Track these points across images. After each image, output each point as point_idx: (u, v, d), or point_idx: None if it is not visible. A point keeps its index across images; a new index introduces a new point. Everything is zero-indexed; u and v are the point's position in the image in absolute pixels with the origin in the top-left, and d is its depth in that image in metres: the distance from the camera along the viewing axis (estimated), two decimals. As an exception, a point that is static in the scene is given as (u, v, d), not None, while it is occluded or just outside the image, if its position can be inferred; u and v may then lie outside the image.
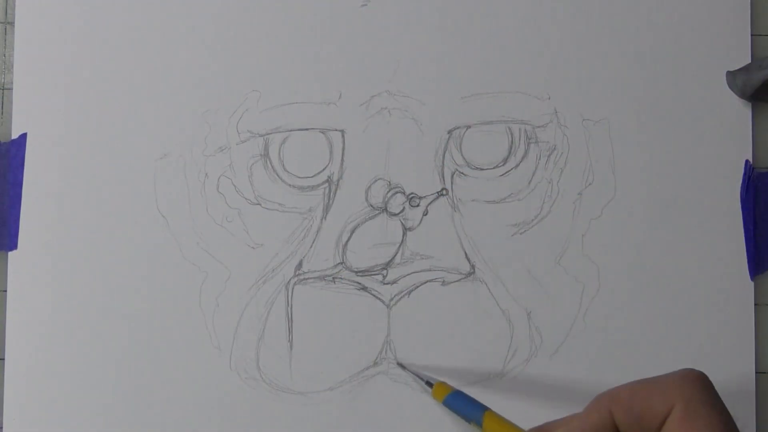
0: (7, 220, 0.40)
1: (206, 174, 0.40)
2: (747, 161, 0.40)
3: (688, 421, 0.28)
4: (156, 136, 0.40)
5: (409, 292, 0.39)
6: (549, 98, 0.40)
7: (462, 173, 0.40)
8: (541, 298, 0.40)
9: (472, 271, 0.40)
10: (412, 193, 0.40)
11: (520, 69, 0.40)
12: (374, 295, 0.39)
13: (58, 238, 0.40)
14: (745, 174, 0.40)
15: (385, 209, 0.40)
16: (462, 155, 0.40)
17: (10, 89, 0.40)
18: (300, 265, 0.40)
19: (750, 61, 0.40)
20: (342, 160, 0.40)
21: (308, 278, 0.40)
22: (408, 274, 0.39)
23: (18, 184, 0.40)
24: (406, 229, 0.40)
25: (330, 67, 0.40)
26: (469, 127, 0.40)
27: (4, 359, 0.39)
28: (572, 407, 0.39)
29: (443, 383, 0.37)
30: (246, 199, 0.40)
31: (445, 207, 0.40)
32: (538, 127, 0.40)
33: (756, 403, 0.39)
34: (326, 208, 0.40)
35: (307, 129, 0.40)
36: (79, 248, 0.40)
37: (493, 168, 0.40)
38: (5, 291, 0.40)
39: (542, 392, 0.39)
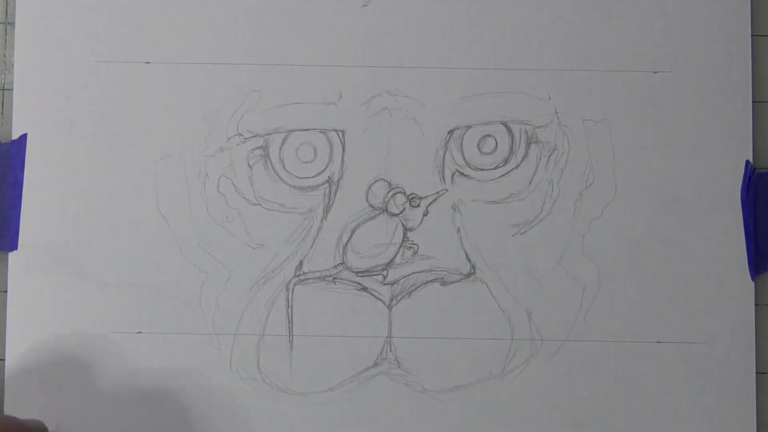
0: (8, 221, 0.40)
1: (207, 174, 0.40)
2: (747, 161, 0.40)
3: None
4: (156, 137, 0.40)
5: (410, 293, 0.39)
6: (549, 98, 0.40)
7: (462, 173, 0.40)
8: (541, 299, 0.40)
9: (472, 271, 0.40)
10: (412, 194, 0.40)
11: (521, 69, 0.40)
12: (375, 296, 0.39)
13: (58, 238, 0.40)
14: (745, 174, 0.40)
15: (385, 209, 0.40)
16: (462, 155, 0.40)
17: (11, 89, 0.40)
18: (300, 265, 0.40)
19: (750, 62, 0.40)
20: (342, 160, 0.40)
21: (308, 278, 0.39)
22: (408, 275, 0.39)
23: (18, 185, 0.40)
24: (406, 230, 0.40)
25: (330, 68, 0.40)
26: (469, 127, 0.40)
27: (4, 359, 0.39)
28: (573, 408, 0.39)
29: None
30: (246, 199, 0.40)
31: (446, 207, 0.40)
32: (539, 127, 0.40)
33: (756, 403, 0.39)
34: (326, 209, 0.40)
35: (307, 129, 0.40)
36: (80, 248, 0.40)
37: (494, 168, 0.40)
38: (5, 291, 0.39)
39: (543, 393, 0.39)
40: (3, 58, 0.41)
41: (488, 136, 0.40)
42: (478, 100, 0.40)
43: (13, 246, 0.39)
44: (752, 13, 0.40)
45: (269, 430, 0.39)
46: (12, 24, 0.41)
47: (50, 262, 0.40)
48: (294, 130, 0.40)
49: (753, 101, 0.40)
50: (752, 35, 0.40)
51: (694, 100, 0.40)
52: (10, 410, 0.39)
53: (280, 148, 0.40)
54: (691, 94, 0.40)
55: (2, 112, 0.40)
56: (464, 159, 0.40)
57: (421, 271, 0.40)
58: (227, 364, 0.39)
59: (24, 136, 0.40)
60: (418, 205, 0.40)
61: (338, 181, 0.40)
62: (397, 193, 0.40)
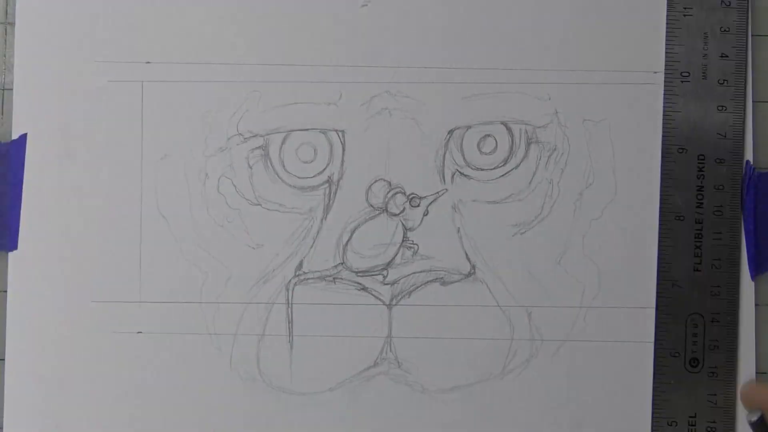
0: (8, 220, 0.40)
1: (207, 174, 0.40)
2: (747, 162, 0.40)
3: None
4: (156, 137, 0.40)
5: (410, 293, 0.39)
6: (549, 99, 0.40)
7: (462, 173, 0.40)
8: (541, 299, 0.40)
9: (472, 271, 0.40)
10: (412, 194, 0.40)
11: (521, 69, 0.40)
12: (375, 296, 0.39)
13: (58, 238, 0.40)
14: (745, 174, 0.40)
15: (385, 209, 0.40)
16: (462, 155, 0.40)
17: (11, 89, 0.40)
18: (300, 265, 0.40)
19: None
20: (342, 160, 0.40)
21: (308, 278, 0.40)
22: (408, 275, 0.39)
23: (18, 184, 0.40)
24: (406, 230, 0.40)
25: (330, 68, 0.40)
26: (469, 127, 0.40)
27: (4, 359, 0.39)
28: (573, 408, 0.39)
29: None
30: (246, 199, 0.40)
31: (446, 207, 0.40)
32: (539, 127, 0.40)
33: (756, 403, 0.39)
34: (326, 209, 0.40)
35: (307, 129, 0.40)
36: (80, 248, 0.40)
37: (494, 168, 0.40)
38: (5, 291, 0.40)
39: (542, 393, 0.39)
40: (3, 58, 0.41)
41: (488, 136, 0.40)
42: (478, 100, 0.40)
43: (13, 246, 0.39)
44: (752, 13, 0.40)
45: (269, 430, 0.39)
46: (12, 24, 0.41)
47: (50, 262, 0.40)
48: (294, 130, 0.40)
49: (753, 101, 0.40)
50: (752, 35, 0.40)
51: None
52: (10, 410, 0.39)
53: (280, 148, 0.40)
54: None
55: (2, 112, 0.40)
56: (464, 159, 0.40)
57: (421, 271, 0.40)
58: (227, 364, 0.39)
59: (24, 136, 0.40)
60: (418, 205, 0.40)
61: (338, 181, 0.40)
62: (397, 193, 0.40)
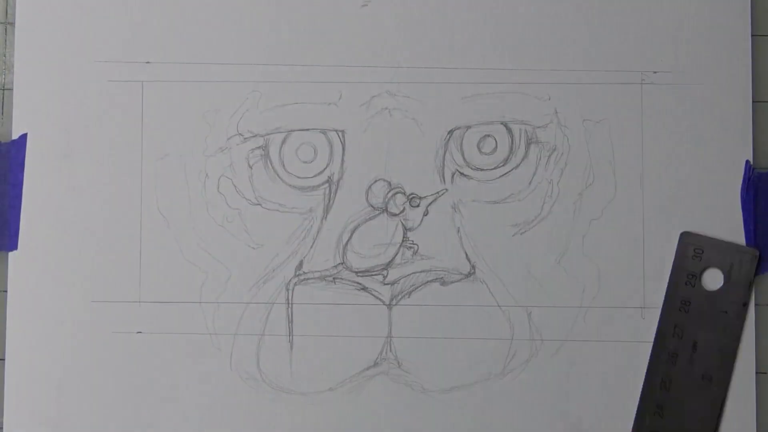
0: (8, 220, 0.40)
1: (206, 174, 0.40)
2: (747, 161, 0.40)
3: None
4: (156, 137, 0.40)
5: (410, 293, 0.39)
6: (549, 98, 0.40)
7: (462, 173, 0.40)
8: (541, 299, 0.40)
9: (472, 271, 0.40)
10: (412, 194, 0.40)
11: (521, 69, 0.40)
12: (375, 296, 0.39)
13: (58, 238, 0.40)
14: (745, 174, 0.40)
15: (385, 209, 0.40)
16: (462, 155, 0.40)
17: (11, 89, 0.40)
18: (300, 265, 0.40)
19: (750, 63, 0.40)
20: (342, 160, 0.40)
21: (308, 278, 0.40)
22: (408, 275, 0.40)
23: (18, 185, 0.40)
24: (406, 230, 0.40)
25: (330, 68, 0.40)
26: (469, 127, 0.40)
27: (4, 359, 0.39)
28: (573, 408, 0.39)
29: None
30: (246, 199, 0.40)
31: (446, 207, 0.40)
32: (539, 127, 0.40)
33: (756, 403, 0.39)
34: (326, 209, 0.40)
35: (307, 129, 0.40)
36: (79, 248, 0.40)
37: (494, 168, 0.40)
38: (5, 291, 0.40)
39: (542, 393, 0.39)
40: (3, 58, 0.41)
41: (488, 136, 0.40)
42: (478, 100, 0.40)
43: (13, 246, 0.39)
44: (752, 13, 0.40)
45: (269, 430, 0.39)
46: (12, 24, 0.41)
47: (50, 262, 0.40)
48: (294, 130, 0.40)
49: (753, 101, 0.40)
50: (752, 35, 0.40)
51: (694, 100, 0.40)
52: (10, 410, 0.39)
53: (280, 148, 0.40)
54: (691, 93, 0.40)
55: (2, 112, 0.40)
56: (464, 159, 0.40)
57: (421, 271, 0.40)
58: (227, 364, 0.39)
59: (24, 136, 0.40)
60: (418, 205, 0.40)
61: (338, 181, 0.40)
62: (397, 193, 0.40)
